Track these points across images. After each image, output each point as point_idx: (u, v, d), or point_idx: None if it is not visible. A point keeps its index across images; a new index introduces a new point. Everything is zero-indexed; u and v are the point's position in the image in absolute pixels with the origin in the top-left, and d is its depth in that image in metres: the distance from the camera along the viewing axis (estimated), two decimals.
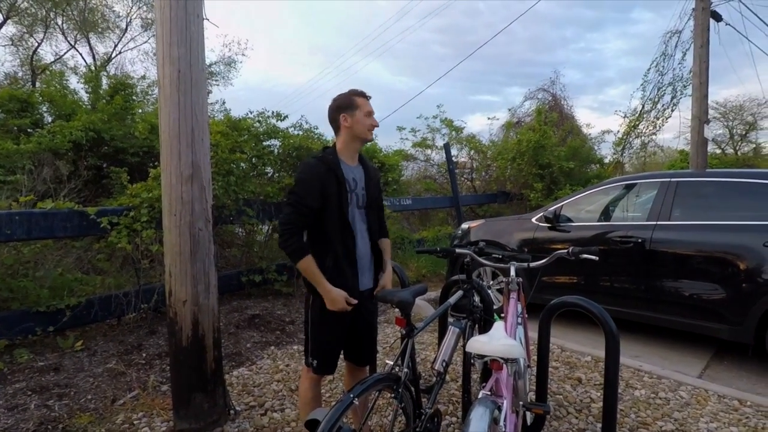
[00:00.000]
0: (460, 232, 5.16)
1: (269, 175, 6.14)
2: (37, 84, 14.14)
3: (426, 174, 11.56)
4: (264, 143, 5.83)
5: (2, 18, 14.37)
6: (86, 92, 9.83)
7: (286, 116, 6.10)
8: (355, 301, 1.86)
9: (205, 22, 2.53)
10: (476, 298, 2.25)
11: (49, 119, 8.23)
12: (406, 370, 1.66)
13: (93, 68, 15.02)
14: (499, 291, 4.50)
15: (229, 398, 2.56)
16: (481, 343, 1.55)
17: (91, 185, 6.92)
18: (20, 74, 15.79)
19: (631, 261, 3.69)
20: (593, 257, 2.01)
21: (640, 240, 3.63)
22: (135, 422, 2.53)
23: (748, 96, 21.58)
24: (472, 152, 11.50)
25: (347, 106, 1.93)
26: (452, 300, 2.08)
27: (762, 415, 2.51)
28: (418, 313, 3.94)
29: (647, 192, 4.13)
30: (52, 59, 16.21)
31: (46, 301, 3.75)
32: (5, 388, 2.94)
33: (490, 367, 1.58)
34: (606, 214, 4.33)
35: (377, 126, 1.99)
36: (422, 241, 7.91)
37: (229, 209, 4.77)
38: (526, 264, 2.14)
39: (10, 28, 14.96)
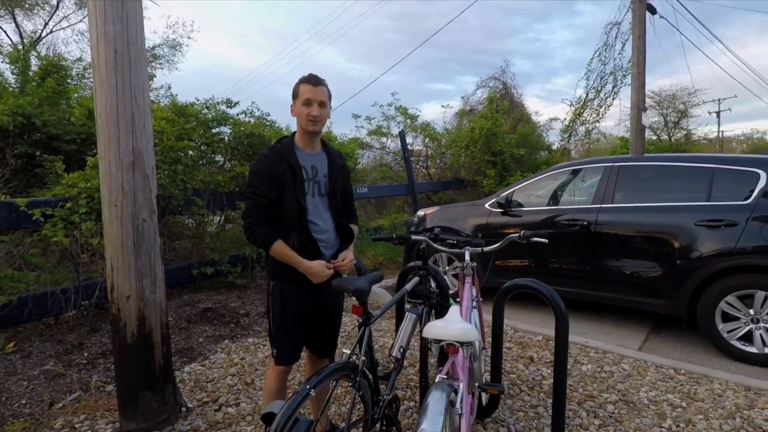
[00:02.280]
0: (416, 219, 5.21)
1: (220, 163, 5.91)
2: None
3: (382, 162, 11.55)
4: (213, 130, 5.59)
5: None
6: (12, 73, 9.03)
7: (237, 103, 5.88)
8: (332, 265, 1.89)
9: None
10: (432, 284, 2.27)
11: None
12: (363, 358, 1.66)
13: (20, 47, 13.79)
14: (455, 276, 4.59)
15: (180, 395, 2.46)
16: (437, 328, 1.57)
17: (23, 175, 6.38)
18: None
19: (577, 243, 3.86)
20: (543, 240, 2.08)
21: (585, 222, 3.80)
22: (76, 425, 2.38)
23: (680, 86, 23.12)
24: (426, 140, 11.59)
25: (293, 94, 1.89)
26: (408, 286, 2.09)
27: (694, 382, 2.72)
28: (375, 300, 3.95)
29: (592, 177, 4.33)
30: None
31: None
32: None
33: (446, 351, 1.60)
34: (554, 198, 4.51)
35: (315, 116, 1.83)
36: (379, 229, 7.94)
37: (177, 199, 4.54)
38: (480, 249, 2.18)
39: None
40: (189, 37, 27.65)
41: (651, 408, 2.42)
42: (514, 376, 2.81)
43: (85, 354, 3.31)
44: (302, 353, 2.04)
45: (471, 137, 9.89)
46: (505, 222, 4.36)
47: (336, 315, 2.08)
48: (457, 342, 1.55)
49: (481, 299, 2.33)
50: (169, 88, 12.60)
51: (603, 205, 3.80)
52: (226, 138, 5.74)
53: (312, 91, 1.83)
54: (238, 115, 5.90)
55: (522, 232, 2.09)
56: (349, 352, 1.70)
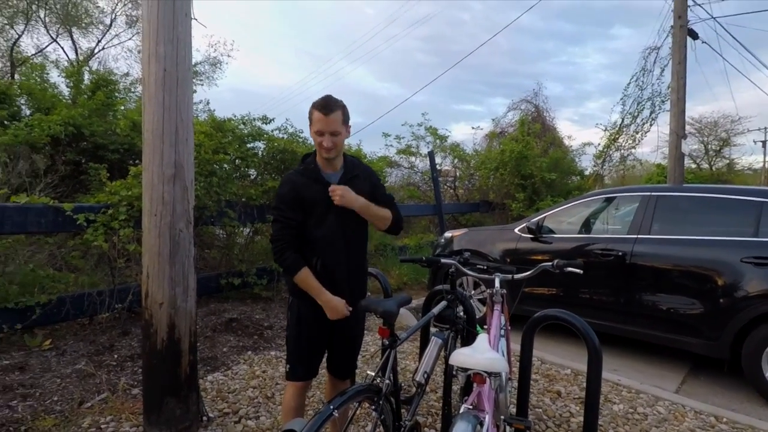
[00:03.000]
0: (443, 240, 5.17)
1: (252, 177, 6.06)
2: (17, 77, 13.72)
3: (410, 181, 11.59)
4: (248, 145, 5.77)
5: None
6: (67, 86, 9.60)
7: (272, 119, 6.06)
8: (351, 309, 1.85)
9: (192, 21, 2.48)
10: (459, 309, 2.24)
11: (28, 112, 7.98)
12: (387, 381, 1.64)
13: (75, 63, 14.67)
14: (481, 301, 4.51)
15: (203, 404, 2.49)
16: (464, 356, 1.54)
17: (69, 181, 6.72)
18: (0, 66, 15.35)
19: (611, 274, 3.74)
20: (578, 270, 2.02)
21: (620, 253, 3.68)
22: (102, 426, 2.44)
23: (722, 113, 22.31)
24: (455, 161, 11.58)
25: (308, 117, 1.83)
26: (436, 310, 2.06)
27: None
28: (399, 321, 3.92)
29: (628, 205, 4.21)
30: (33, 52, 15.79)
31: (14, 298, 3.60)
32: None
33: (472, 380, 1.57)
34: (587, 226, 4.40)
35: (327, 147, 1.78)
36: (404, 248, 7.91)
37: (210, 210, 4.68)
38: (510, 276, 2.14)
39: None
40: (229, 56, 28.76)
41: None
42: (540, 410, 2.71)
43: (115, 356, 3.40)
44: (323, 371, 2.03)
45: (501, 159, 9.82)
46: (535, 248, 4.27)
47: (355, 337, 2.03)
48: (485, 372, 1.52)
49: (509, 328, 2.27)
50: (208, 103, 13.13)
51: (639, 236, 3.68)
52: (260, 153, 5.90)
53: (323, 122, 1.76)
54: (272, 131, 6.07)
55: (555, 261, 2.04)
56: (372, 373, 1.68)
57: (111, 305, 3.95)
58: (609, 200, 4.34)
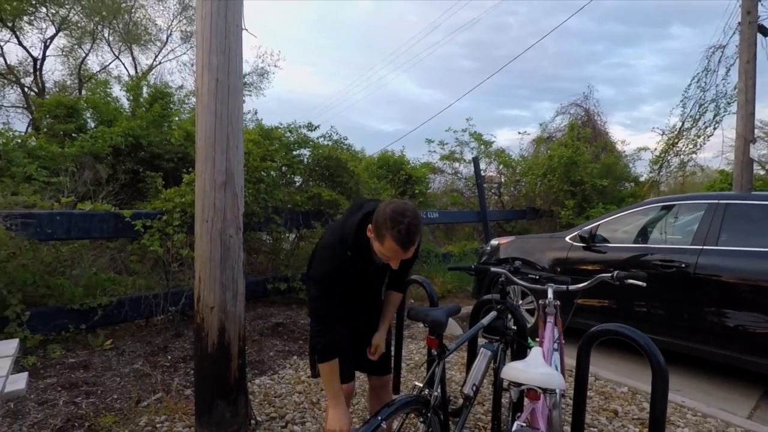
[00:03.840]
0: (488, 248, 5.03)
1: (298, 184, 6.19)
2: (83, 92, 14.83)
3: (453, 187, 11.46)
4: (294, 152, 5.90)
5: (55, 30, 15.21)
6: (127, 100, 10.25)
7: (317, 127, 6.17)
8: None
9: (243, 32, 2.56)
10: (509, 320, 2.15)
11: (93, 125, 8.59)
12: (435, 394, 1.59)
13: (135, 78, 15.65)
14: (529, 312, 4.34)
15: (251, 408, 2.53)
16: (518, 371, 1.46)
17: (128, 189, 7.15)
18: (69, 83, 16.64)
19: (672, 287, 3.49)
20: (640, 283, 1.88)
21: (683, 265, 3.43)
22: (157, 425, 2.52)
23: None
24: (501, 167, 11.34)
25: (378, 232, 1.49)
26: (485, 321, 1.99)
27: None
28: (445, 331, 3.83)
29: (691, 214, 3.92)
30: (98, 69, 17.02)
31: (80, 300, 3.84)
32: (37, 383, 3.00)
33: (526, 396, 1.49)
34: (644, 235, 4.14)
35: (393, 267, 1.58)
36: (448, 255, 7.79)
37: (257, 216, 4.80)
38: (565, 287, 2.03)
39: (62, 40, 15.82)
40: (276, 65, 29.69)
41: None
42: (596, 429, 2.55)
43: (169, 357, 3.54)
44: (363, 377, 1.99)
45: (549, 165, 9.50)
46: (587, 258, 4.06)
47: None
48: (540, 388, 1.44)
49: (563, 341, 2.16)
50: (256, 113, 13.58)
51: (705, 247, 3.42)
52: (306, 160, 6.02)
53: (399, 253, 1.48)
54: (317, 138, 6.18)
55: (616, 272, 1.91)
56: (420, 385, 1.64)
57: (165, 308, 4.13)
58: (669, 208, 4.07)
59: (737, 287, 3.22)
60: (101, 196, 5.29)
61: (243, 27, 2.55)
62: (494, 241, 5.02)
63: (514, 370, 1.48)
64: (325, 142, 6.31)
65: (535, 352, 1.58)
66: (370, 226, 1.54)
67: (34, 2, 13.50)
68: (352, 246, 1.60)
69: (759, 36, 7.87)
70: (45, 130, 7.93)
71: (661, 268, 3.54)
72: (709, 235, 3.45)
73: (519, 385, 1.46)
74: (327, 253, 1.63)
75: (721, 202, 3.57)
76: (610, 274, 1.94)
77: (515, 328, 2.11)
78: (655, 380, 1.71)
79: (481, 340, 2.11)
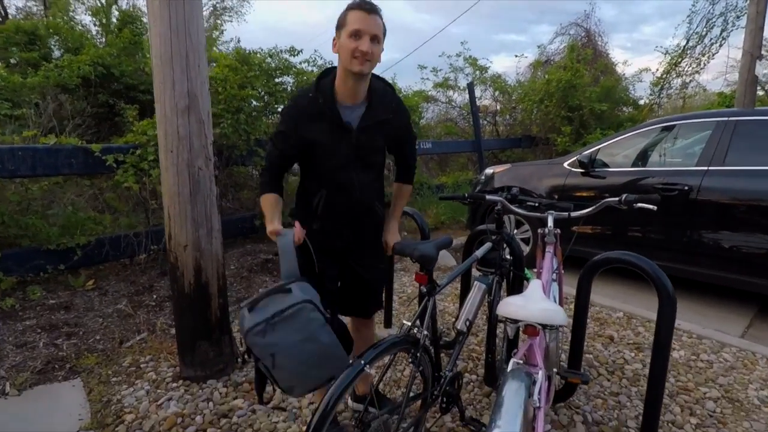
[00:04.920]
0: (483, 177, 4.84)
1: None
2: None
3: (447, 117, 11.00)
4: (276, 80, 5.47)
5: None
6: (94, 26, 9.44)
7: (300, 51, 5.67)
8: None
9: None
10: (506, 251, 2.00)
11: (58, 54, 7.93)
12: (425, 332, 1.46)
13: (103, 1, 14.40)
14: (524, 240, 4.25)
15: (236, 346, 2.45)
16: (516, 307, 1.32)
17: (105, 123, 6.74)
18: (34, 9, 15.29)
19: (673, 210, 3.35)
20: (651, 207, 1.70)
21: (686, 187, 3.27)
22: (142, 365, 2.46)
23: None
24: (496, 93, 10.81)
25: (338, 24, 1.50)
26: (479, 253, 1.84)
27: None
28: (438, 263, 3.74)
29: (695, 134, 3.70)
30: None
31: (56, 240, 3.66)
32: (15, 325, 2.90)
33: (523, 332, 1.36)
34: (645, 158, 3.94)
35: (364, 51, 1.43)
36: (442, 186, 7.61)
37: (239, 149, 4.52)
38: (566, 213, 1.86)
39: None
40: None
41: (764, 410, 2.05)
42: (591, 356, 2.52)
43: (154, 296, 3.44)
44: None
45: (546, 90, 9.03)
46: (586, 184, 3.89)
47: (369, 281, 1.79)
48: (540, 324, 1.30)
49: (563, 272, 2.02)
50: (239, 41, 12.69)
51: (711, 168, 3.23)
52: (289, 87, 5.61)
53: (364, 20, 1.42)
54: (300, 64, 5.72)
55: (624, 196, 1.73)
56: (409, 323, 1.51)
57: (147, 246, 3.98)
58: (672, 129, 3.83)
59: (741, 208, 3.09)
60: (67, 129, 4.93)
61: None
62: (489, 170, 4.81)
63: (511, 306, 1.34)
64: (310, 68, 5.85)
65: (534, 285, 1.43)
66: (334, 38, 1.52)
67: None
68: (314, 89, 1.57)
69: None
70: (8, 59, 7.30)
71: (662, 192, 3.39)
72: (716, 155, 3.26)
73: (516, 321, 1.33)
74: (286, 108, 1.66)
75: (730, 119, 3.33)
76: (617, 198, 1.76)
77: (511, 258, 1.96)
78: (663, 308, 1.60)
79: (475, 273, 1.98)
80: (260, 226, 4.95)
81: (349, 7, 1.47)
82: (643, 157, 3.96)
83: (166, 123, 2.10)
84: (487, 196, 1.95)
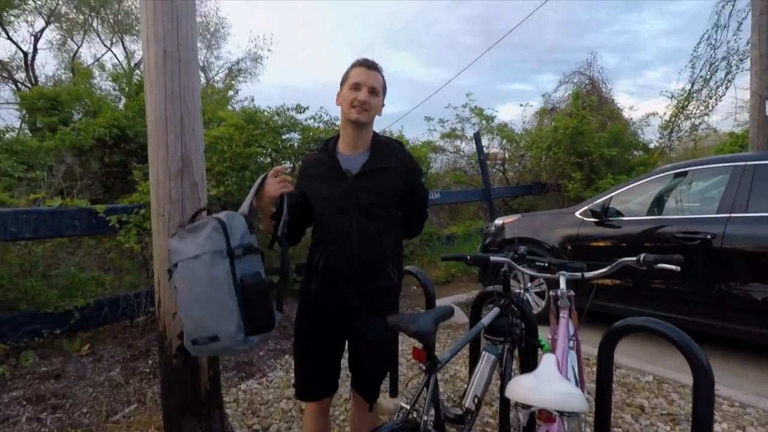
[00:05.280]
0: (492, 228, 4.70)
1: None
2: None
3: (456, 166, 11.04)
4: (283, 137, 5.55)
5: (44, 23, 14.83)
6: (113, 90, 9.91)
7: (306, 108, 5.79)
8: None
9: None
10: (517, 314, 1.84)
11: (78, 117, 8.27)
12: (425, 418, 1.28)
13: (124, 68, 15.26)
14: (538, 294, 4.03)
15: (228, 422, 2.26)
16: (526, 389, 1.15)
17: (118, 182, 6.87)
18: (63, 77, 16.30)
19: (696, 260, 3.15)
20: (674, 267, 1.53)
21: (708, 236, 3.09)
22: None
23: None
24: (504, 142, 10.87)
25: (342, 80, 1.62)
26: (486, 320, 1.68)
27: None
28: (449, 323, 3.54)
29: (713, 179, 3.56)
30: (92, 62, 16.65)
31: (54, 302, 3.58)
32: (1, 396, 2.75)
33: (538, 417, 1.19)
34: (661, 206, 3.78)
35: (362, 101, 1.50)
36: (452, 236, 7.47)
37: None
38: (580, 274, 1.71)
39: (52, 33, 15.48)
40: (269, 50, 29.19)
41: None
42: (620, 430, 2.26)
43: (149, 362, 3.29)
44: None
45: (554, 137, 9.05)
46: (600, 234, 3.72)
47: (373, 357, 1.62)
48: (556, 411, 1.13)
49: (580, 338, 1.84)
50: (252, 99, 13.16)
51: (733, 214, 3.06)
52: (296, 144, 5.67)
53: (364, 74, 1.54)
54: (306, 120, 5.82)
55: (643, 256, 1.57)
56: (408, 406, 1.34)
57: (146, 308, 3.87)
58: (688, 174, 3.70)
59: None
60: (75, 190, 4.99)
61: None
62: (498, 221, 4.68)
63: (521, 388, 1.17)
64: (316, 125, 5.95)
65: (547, 362, 1.27)
66: (338, 93, 1.62)
67: None
68: (322, 146, 1.67)
69: None
70: (28, 124, 7.64)
71: (683, 241, 3.20)
72: (737, 201, 3.10)
73: (528, 406, 1.15)
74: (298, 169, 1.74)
75: (749, 164, 3.20)
76: (634, 258, 1.60)
77: (522, 324, 1.79)
78: (698, 383, 1.40)
79: (484, 343, 1.81)
80: None
81: (353, 65, 1.60)
82: (658, 204, 3.80)
83: (159, 186, 2.05)
84: (491, 257, 1.81)
